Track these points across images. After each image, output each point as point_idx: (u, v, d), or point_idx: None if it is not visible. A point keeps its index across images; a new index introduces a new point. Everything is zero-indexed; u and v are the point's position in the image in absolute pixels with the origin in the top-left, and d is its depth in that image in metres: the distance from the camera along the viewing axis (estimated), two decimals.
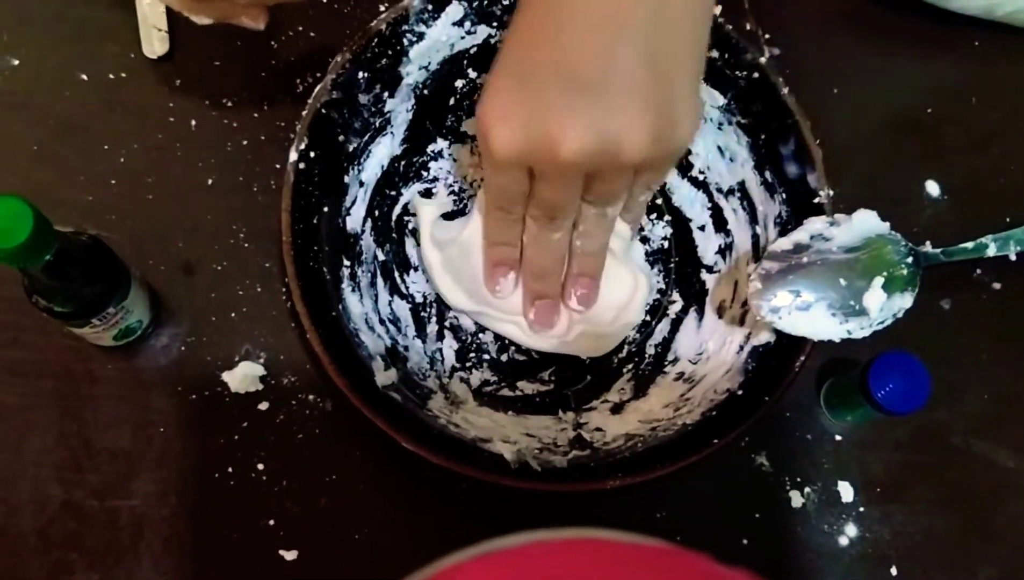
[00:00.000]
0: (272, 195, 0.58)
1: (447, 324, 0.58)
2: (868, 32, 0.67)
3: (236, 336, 0.56)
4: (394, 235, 0.58)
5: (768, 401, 0.49)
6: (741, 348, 0.54)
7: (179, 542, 0.52)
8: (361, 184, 0.56)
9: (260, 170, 0.59)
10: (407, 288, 0.58)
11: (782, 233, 0.53)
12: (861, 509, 0.56)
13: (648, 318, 0.59)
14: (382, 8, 0.63)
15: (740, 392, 0.52)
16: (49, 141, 0.58)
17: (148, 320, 0.54)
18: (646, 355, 0.58)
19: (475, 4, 0.54)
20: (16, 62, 0.60)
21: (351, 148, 0.55)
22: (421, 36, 0.54)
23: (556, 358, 0.58)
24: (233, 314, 0.56)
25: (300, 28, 0.62)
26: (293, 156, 0.51)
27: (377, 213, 0.58)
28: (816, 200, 0.52)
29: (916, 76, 0.66)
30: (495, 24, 0.56)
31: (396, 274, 0.58)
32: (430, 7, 0.53)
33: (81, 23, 0.61)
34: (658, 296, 0.59)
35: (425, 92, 0.57)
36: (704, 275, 0.59)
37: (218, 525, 0.53)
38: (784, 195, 0.54)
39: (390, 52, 0.53)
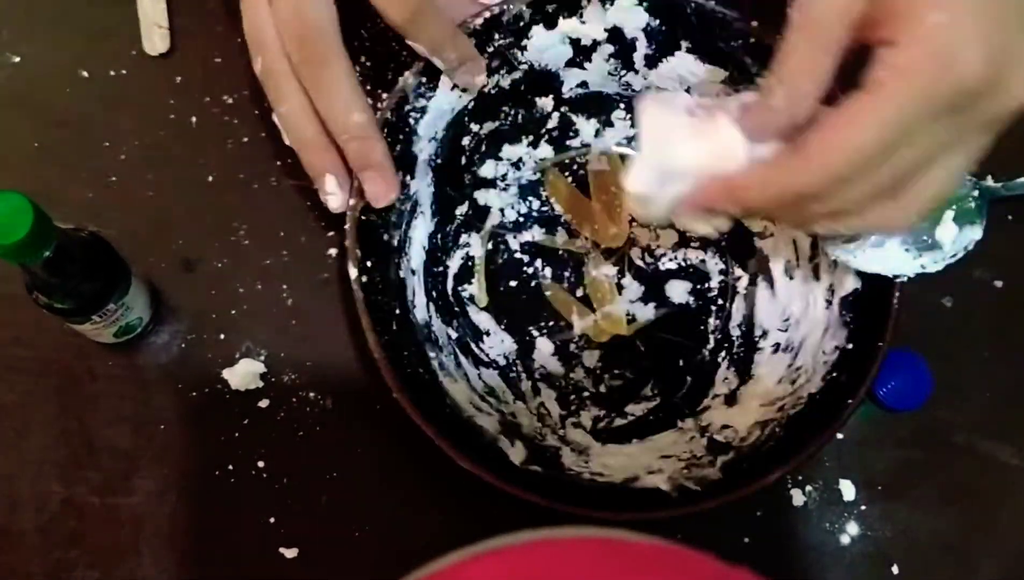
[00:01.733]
0: (272, 192, 0.58)
1: (536, 376, 0.57)
2: None
3: (236, 333, 0.56)
4: (456, 308, 0.57)
5: (882, 345, 0.48)
6: (829, 303, 0.53)
7: (179, 540, 0.52)
8: (413, 272, 0.55)
9: (260, 168, 0.59)
10: (487, 355, 0.57)
11: None
12: (863, 507, 0.56)
13: (721, 301, 0.58)
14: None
15: (850, 346, 0.51)
16: (49, 138, 0.58)
17: (148, 317, 0.54)
18: (733, 338, 0.58)
19: None
20: (17, 59, 0.60)
21: (395, 242, 0.53)
22: (424, 110, 0.52)
23: (651, 371, 0.57)
24: (233, 311, 0.56)
25: None
26: (353, 273, 0.49)
27: (435, 294, 0.57)
28: None
29: None
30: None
31: (472, 345, 0.57)
32: (424, 80, 0.52)
33: (82, 20, 0.61)
34: (722, 277, 0.59)
35: (439, 161, 0.56)
36: (758, 242, 0.58)
37: (219, 523, 0.53)
38: None
39: (401, 136, 0.52)
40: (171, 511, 0.53)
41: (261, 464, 0.54)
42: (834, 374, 0.51)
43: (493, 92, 0.55)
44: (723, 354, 0.57)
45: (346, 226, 0.49)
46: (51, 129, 0.58)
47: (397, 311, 0.52)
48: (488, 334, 0.58)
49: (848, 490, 0.56)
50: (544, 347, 0.57)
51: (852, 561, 0.55)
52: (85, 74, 0.60)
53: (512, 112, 0.57)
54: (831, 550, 0.55)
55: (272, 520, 0.53)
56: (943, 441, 0.57)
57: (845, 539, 0.55)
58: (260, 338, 0.56)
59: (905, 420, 0.57)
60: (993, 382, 0.59)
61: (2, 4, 0.61)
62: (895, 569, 0.55)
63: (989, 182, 0.56)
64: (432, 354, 0.53)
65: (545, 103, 0.58)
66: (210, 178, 0.58)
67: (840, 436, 0.57)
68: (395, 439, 0.55)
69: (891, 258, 0.49)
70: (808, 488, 0.56)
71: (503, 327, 0.58)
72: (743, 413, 0.54)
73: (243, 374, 0.54)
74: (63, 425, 0.54)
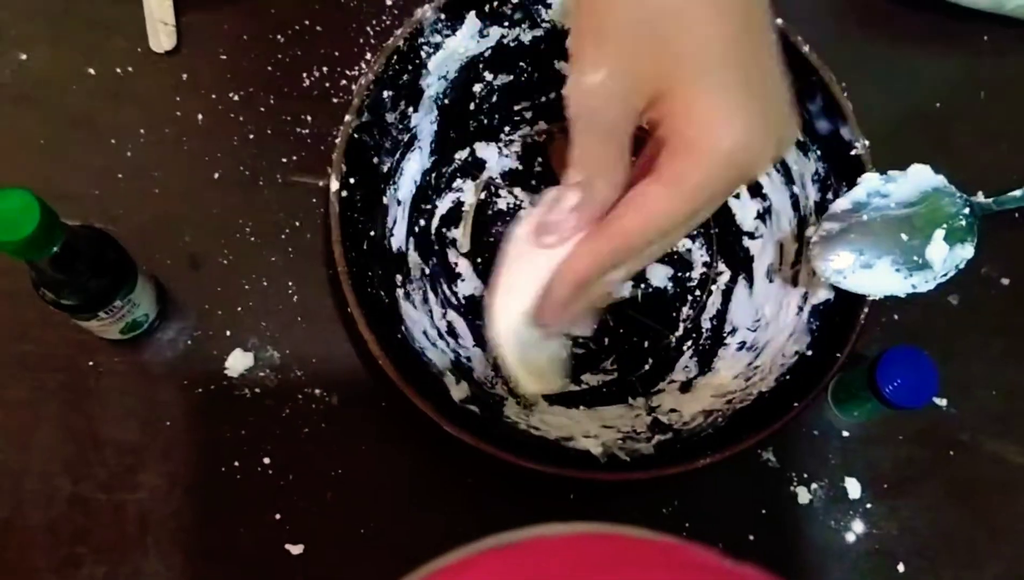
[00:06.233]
0: (279, 189, 0.58)
1: None
2: (878, 27, 0.66)
3: (242, 330, 0.56)
4: (436, 247, 0.58)
5: (840, 357, 0.49)
6: (800, 309, 0.54)
7: (185, 536, 0.52)
8: (399, 202, 0.56)
9: (266, 164, 0.59)
10: (457, 298, 0.58)
11: (822, 190, 0.54)
12: (868, 505, 0.55)
13: (698, 292, 0.59)
14: (388, 2, 0.63)
15: (810, 353, 0.52)
16: (56, 135, 0.58)
17: (155, 314, 0.54)
18: (703, 330, 0.58)
19: (487, 9, 0.54)
20: (24, 56, 0.60)
21: (385, 168, 0.55)
22: (438, 47, 0.54)
23: (615, 346, 0.58)
24: (239, 308, 0.56)
25: (306, 23, 0.62)
26: (334, 185, 0.50)
27: (417, 229, 0.57)
28: (853, 152, 0.52)
29: (926, 71, 0.66)
30: (506, 24, 0.55)
31: (444, 286, 0.58)
32: (443, 16, 0.53)
33: (88, 17, 0.61)
34: (704, 269, 0.59)
35: (446, 101, 0.57)
36: (747, 242, 0.59)
37: (224, 519, 0.53)
38: (819, 152, 0.54)
39: (410, 67, 0.53)
40: (177, 507, 0.53)
41: (267, 461, 0.54)
42: (787, 377, 0.51)
43: (512, 45, 0.55)
44: (689, 343, 0.58)
45: (336, 141, 0.50)
46: (58, 126, 0.59)
47: (372, 233, 0.53)
48: (462, 279, 0.58)
49: (854, 488, 0.56)
50: None
51: (857, 559, 0.55)
52: (91, 71, 0.60)
53: (529, 69, 0.58)
54: (836, 548, 0.55)
55: (277, 517, 0.53)
56: (949, 439, 0.57)
57: (851, 537, 0.55)
58: (266, 335, 0.56)
59: (911, 418, 0.57)
60: (999, 380, 0.58)
61: (9, 2, 0.61)
62: (901, 567, 0.54)
63: (980, 198, 0.56)
64: (399, 282, 0.54)
65: (563, 66, 0.58)
66: (216, 175, 0.58)
67: (846, 434, 0.57)
68: (400, 437, 0.55)
69: (881, 279, 0.50)
70: (814, 486, 0.56)
71: (479, 275, 0.58)
72: (694, 401, 0.54)
73: (241, 361, 0.55)
74: (69, 421, 0.54)
